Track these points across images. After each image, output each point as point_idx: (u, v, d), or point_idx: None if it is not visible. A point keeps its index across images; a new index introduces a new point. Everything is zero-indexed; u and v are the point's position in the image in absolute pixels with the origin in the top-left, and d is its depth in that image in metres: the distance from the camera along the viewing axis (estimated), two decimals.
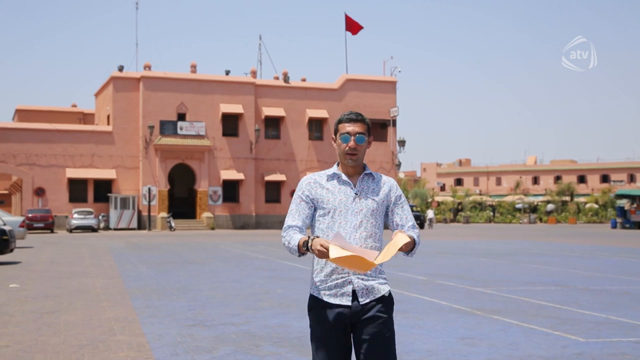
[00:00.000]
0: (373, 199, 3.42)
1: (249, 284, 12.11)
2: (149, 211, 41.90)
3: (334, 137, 3.50)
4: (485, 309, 9.09)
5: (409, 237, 3.27)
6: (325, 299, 3.36)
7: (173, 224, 41.36)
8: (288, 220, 3.43)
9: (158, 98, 43.51)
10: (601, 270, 14.97)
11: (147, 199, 42.13)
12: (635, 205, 48.29)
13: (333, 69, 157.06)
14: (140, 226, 42.93)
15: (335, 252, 3.05)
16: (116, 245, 25.22)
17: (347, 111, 3.49)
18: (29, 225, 34.28)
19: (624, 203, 53.49)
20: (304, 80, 49.45)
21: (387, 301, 3.44)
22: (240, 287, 11.71)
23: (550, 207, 66.07)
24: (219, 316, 8.50)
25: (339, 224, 3.37)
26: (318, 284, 3.40)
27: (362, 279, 3.37)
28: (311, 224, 3.50)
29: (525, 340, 7.02)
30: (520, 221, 63.31)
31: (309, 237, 3.25)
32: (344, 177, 3.43)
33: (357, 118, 3.44)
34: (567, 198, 69.25)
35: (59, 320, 8.26)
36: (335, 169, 3.50)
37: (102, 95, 47.68)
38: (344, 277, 3.35)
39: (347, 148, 3.40)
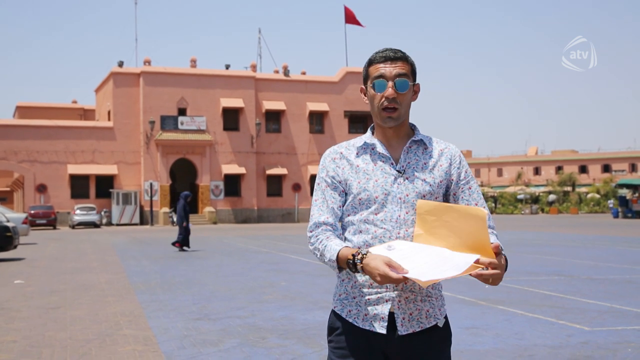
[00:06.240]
0: (424, 179, 2.34)
1: (252, 278, 12.14)
2: (151, 206, 41.96)
3: (363, 87, 2.44)
4: (490, 299, 9.12)
5: (497, 257, 2.20)
6: (350, 319, 2.34)
7: (175, 219, 41.48)
8: (314, 214, 2.40)
9: (158, 93, 43.50)
10: (604, 260, 14.99)
11: (149, 194, 42.20)
12: (637, 195, 48.27)
13: (333, 62, 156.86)
14: (142, 221, 43.02)
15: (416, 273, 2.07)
16: (119, 240, 25.27)
17: (382, 48, 2.41)
18: (32, 222, 34.40)
19: (626, 193, 53.47)
20: (304, 73, 49.42)
21: (440, 334, 2.37)
22: (244, 280, 11.75)
23: (551, 197, 65.99)
24: (224, 309, 8.53)
25: (374, 219, 2.31)
26: (342, 296, 2.39)
27: (407, 297, 2.30)
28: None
29: (530, 329, 7.04)
30: (522, 212, 63.27)
31: (358, 252, 2.19)
32: (379, 147, 2.37)
33: (395, 55, 2.35)
34: (569, 188, 69.21)
35: (65, 315, 8.29)
36: (368, 136, 2.44)
37: (103, 91, 47.69)
38: (379, 292, 2.30)
39: (384, 99, 2.32)
